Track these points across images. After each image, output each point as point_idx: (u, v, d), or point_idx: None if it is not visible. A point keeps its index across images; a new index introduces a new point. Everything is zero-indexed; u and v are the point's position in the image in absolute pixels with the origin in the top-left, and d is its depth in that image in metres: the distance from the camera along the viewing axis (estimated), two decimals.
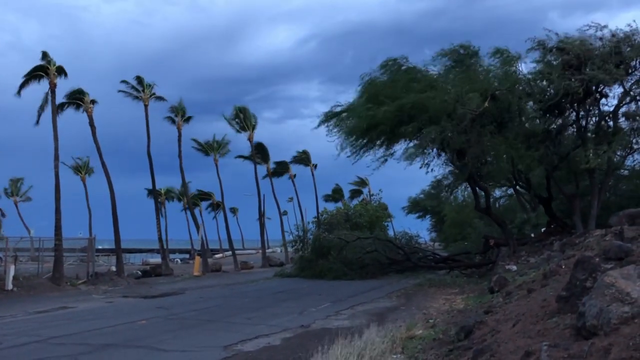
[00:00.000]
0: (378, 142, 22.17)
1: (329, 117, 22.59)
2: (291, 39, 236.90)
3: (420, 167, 22.17)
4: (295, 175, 56.57)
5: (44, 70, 26.58)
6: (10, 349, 9.40)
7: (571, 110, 20.88)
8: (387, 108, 19.59)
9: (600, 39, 19.03)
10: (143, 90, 33.66)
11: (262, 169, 49.70)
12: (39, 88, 27.18)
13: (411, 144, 21.51)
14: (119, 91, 33.48)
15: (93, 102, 29.53)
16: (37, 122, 27.03)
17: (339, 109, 22.58)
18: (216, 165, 45.22)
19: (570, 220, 22.54)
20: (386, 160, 22.41)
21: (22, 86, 26.68)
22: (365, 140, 22.05)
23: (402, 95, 19.99)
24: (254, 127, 41.97)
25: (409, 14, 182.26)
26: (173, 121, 37.07)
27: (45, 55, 26.99)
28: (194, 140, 43.65)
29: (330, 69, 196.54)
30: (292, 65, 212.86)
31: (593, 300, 4.72)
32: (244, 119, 41.13)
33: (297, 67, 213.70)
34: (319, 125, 22.85)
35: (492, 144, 19.93)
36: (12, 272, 21.03)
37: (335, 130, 22.34)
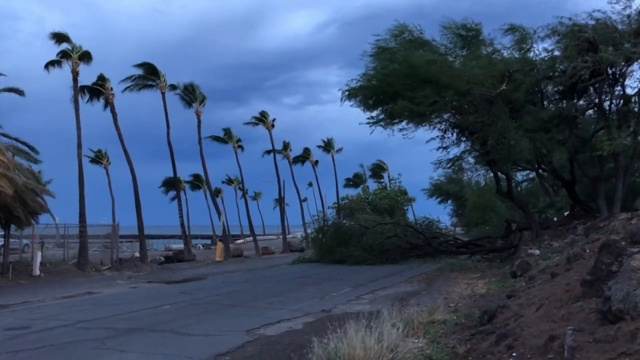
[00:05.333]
0: (386, 109, 21.65)
1: (352, 90, 21.77)
2: (310, 24, 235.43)
3: (437, 149, 21.99)
4: (317, 162, 56.93)
5: (67, 56, 26.76)
6: (39, 333, 9.64)
7: (592, 92, 20.44)
8: (398, 67, 19.26)
9: (628, 16, 18.50)
10: (158, 78, 33.52)
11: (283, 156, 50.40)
12: (62, 77, 27.56)
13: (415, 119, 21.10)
14: (125, 89, 33.13)
15: (112, 93, 29.74)
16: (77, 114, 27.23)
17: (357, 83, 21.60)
18: (235, 153, 45.80)
19: (595, 204, 22.20)
20: (391, 124, 21.78)
21: (47, 66, 26.92)
22: (376, 105, 21.45)
23: (415, 60, 19.64)
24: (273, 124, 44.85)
25: None
26: (188, 104, 37.07)
27: (65, 39, 27.05)
28: (212, 137, 44.77)
29: (350, 53, 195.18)
30: (311, 51, 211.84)
31: (619, 284, 4.65)
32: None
33: (317, 53, 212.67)
34: (342, 100, 21.70)
35: (508, 127, 19.59)
36: (39, 259, 21.52)
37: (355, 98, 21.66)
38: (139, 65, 33.21)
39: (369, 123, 21.60)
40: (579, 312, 5.29)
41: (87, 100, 29.78)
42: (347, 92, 21.24)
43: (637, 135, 20.61)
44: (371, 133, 21.87)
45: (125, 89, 32.94)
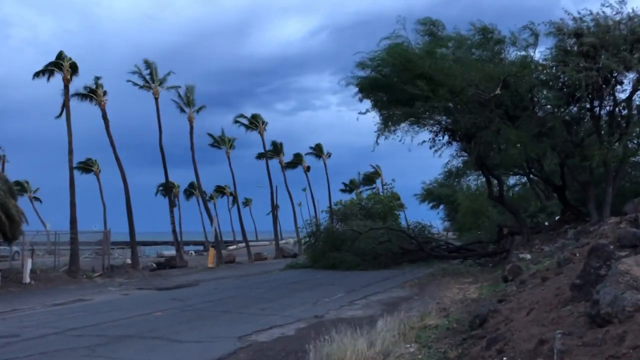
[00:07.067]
0: (380, 104, 21.92)
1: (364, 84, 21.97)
2: (302, 30, 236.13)
3: (431, 148, 22.11)
4: (309, 168, 56.76)
5: (58, 66, 26.73)
6: (29, 341, 9.56)
7: (587, 99, 20.54)
8: (394, 60, 19.74)
9: (618, 22, 18.59)
10: (153, 81, 33.25)
11: (275, 162, 50.17)
12: (52, 85, 27.42)
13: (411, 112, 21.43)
14: (128, 80, 33.12)
15: (105, 93, 29.65)
16: (61, 115, 27.02)
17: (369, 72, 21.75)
18: (228, 158, 45.65)
19: (585, 208, 22.33)
20: (388, 125, 22.16)
21: (36, 75, 26.85)
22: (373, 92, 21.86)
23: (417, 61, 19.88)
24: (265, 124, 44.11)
25: (420, 2, 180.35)
26: (182, 109, 36.78)
27: (60, 54, 27.10)
28: (210, 134, 44.45)
29: (342, 59, 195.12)
30: (303, 57, 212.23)
31: (607, 288, 4.68)
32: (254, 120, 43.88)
33: (309, 59, 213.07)
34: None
35: (502, 131, 19.69)
36: (29, 266, 21.33)
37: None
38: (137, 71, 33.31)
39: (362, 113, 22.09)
40: (568, 315, 5.33)
41: (82, 98, 29.64)
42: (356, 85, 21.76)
43: (627, 140, 20.79)
44: (376, 141, 22.36)
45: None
